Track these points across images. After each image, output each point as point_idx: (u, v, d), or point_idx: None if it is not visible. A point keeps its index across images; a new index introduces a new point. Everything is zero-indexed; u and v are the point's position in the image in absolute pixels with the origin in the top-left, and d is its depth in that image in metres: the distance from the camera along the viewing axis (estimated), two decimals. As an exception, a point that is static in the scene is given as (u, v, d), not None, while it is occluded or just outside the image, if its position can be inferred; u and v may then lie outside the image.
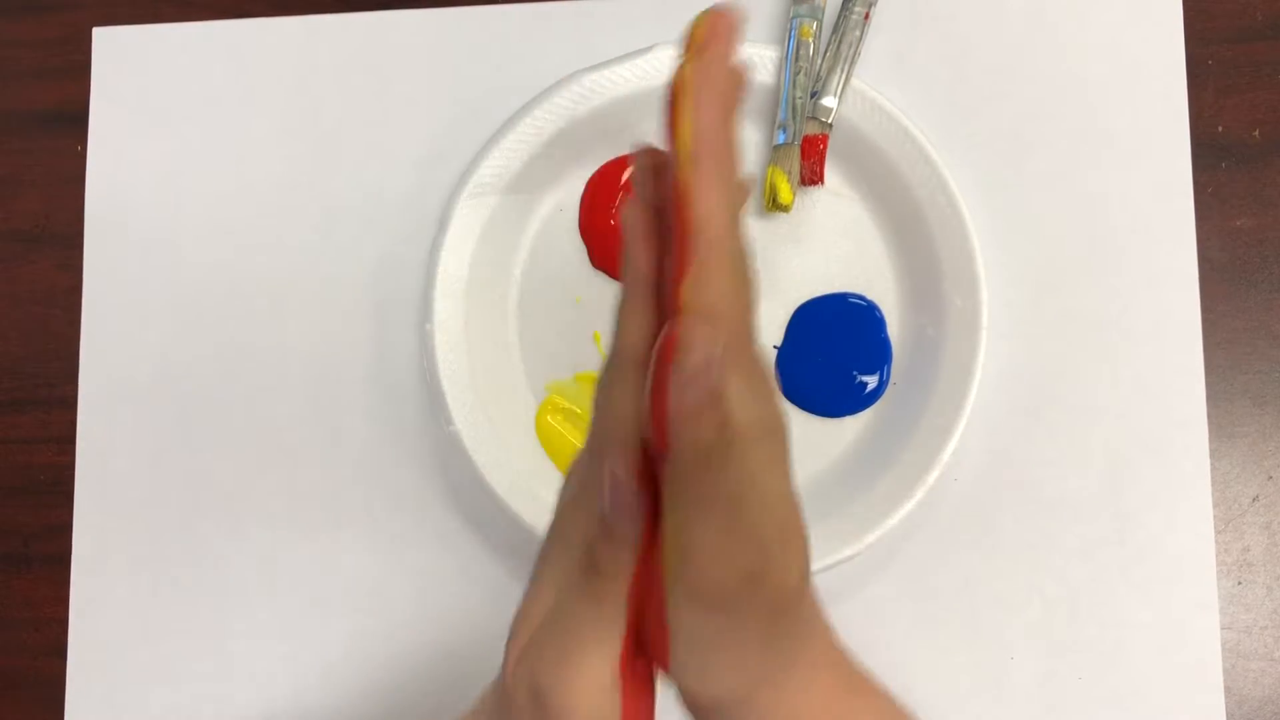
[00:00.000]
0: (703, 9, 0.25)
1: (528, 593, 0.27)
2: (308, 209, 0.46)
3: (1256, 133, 0.44)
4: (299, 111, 0.46)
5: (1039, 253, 0.43)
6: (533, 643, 0.26)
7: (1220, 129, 0.44)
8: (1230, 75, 0.44)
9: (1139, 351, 0.43)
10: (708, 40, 0.25)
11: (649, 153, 0.26)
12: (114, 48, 0.47)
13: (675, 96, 0.24)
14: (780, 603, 0.24)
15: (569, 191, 0.44)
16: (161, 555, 0.45)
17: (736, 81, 0.25)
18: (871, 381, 0.43)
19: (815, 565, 0.39)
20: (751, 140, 0.44)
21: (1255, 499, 0.42)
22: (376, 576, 0.44)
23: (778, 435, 0.25)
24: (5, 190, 0.48)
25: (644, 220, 0.25)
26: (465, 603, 0.44)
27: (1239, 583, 0.42)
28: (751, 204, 0.44)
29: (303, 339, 0.45)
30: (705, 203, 0.23)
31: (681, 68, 0.24)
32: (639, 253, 0.25)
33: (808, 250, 0.43)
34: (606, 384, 0.25)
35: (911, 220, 0.42)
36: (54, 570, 0.46)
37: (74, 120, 0.47)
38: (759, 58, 0.42)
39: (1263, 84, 0.44)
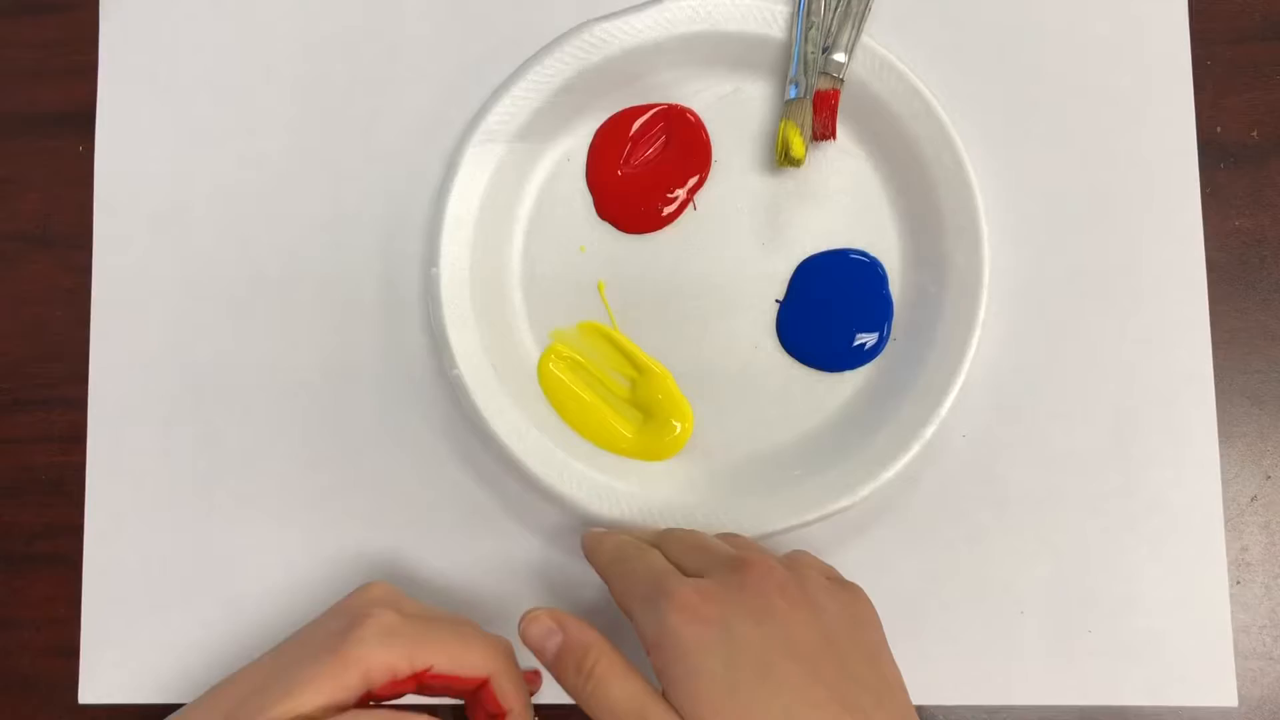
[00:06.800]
0: None
1: None
2: (319, 157, 0.46)
3: (1255, 133, 0.44)
4: (309, 64, 0.46)
5: (1045, 212, 0.44)
6: None
7: (1219, 129, 0.44)
8: (1229, 76, 0.44)
9: (1145, 306, 0.43)
10: None
11: None
12: (122, 21, 0.47)
13: None
14: None
15: (577, 141, 0.44)
16: (174, 544, 0.45)
17: None
18: (872, 337, 0.43)
19: (811, 515, 0.40)
20: (764, 95, 0.44)
21: (1254, 499, 0.42)
22: (391, 556, 0.44)
23: None
24: (7, 191, 0.48)
25: None
26: (476, 554, 0.44)
27: (1237, 582, 0.42)
28: (763, 158, 0.44)
29: (314, 310, 0.45)
30: None
31: None
32: None
33: (812, 206, 0.44)
34: None
35: (916, 177, 0.42)
36: (54, 570, 0.46)
37: (75, 121, 0.47)
38: (770, 13, 0.42)
39: (1262, 84, 0.44)
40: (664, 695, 0.32)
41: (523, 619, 0.35)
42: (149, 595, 0.45)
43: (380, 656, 0.33)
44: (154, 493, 0.45)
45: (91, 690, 0.45)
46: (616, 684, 0.32)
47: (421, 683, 0.34)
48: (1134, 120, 0.44)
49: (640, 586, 0.34)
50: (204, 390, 0.45)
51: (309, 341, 0.45)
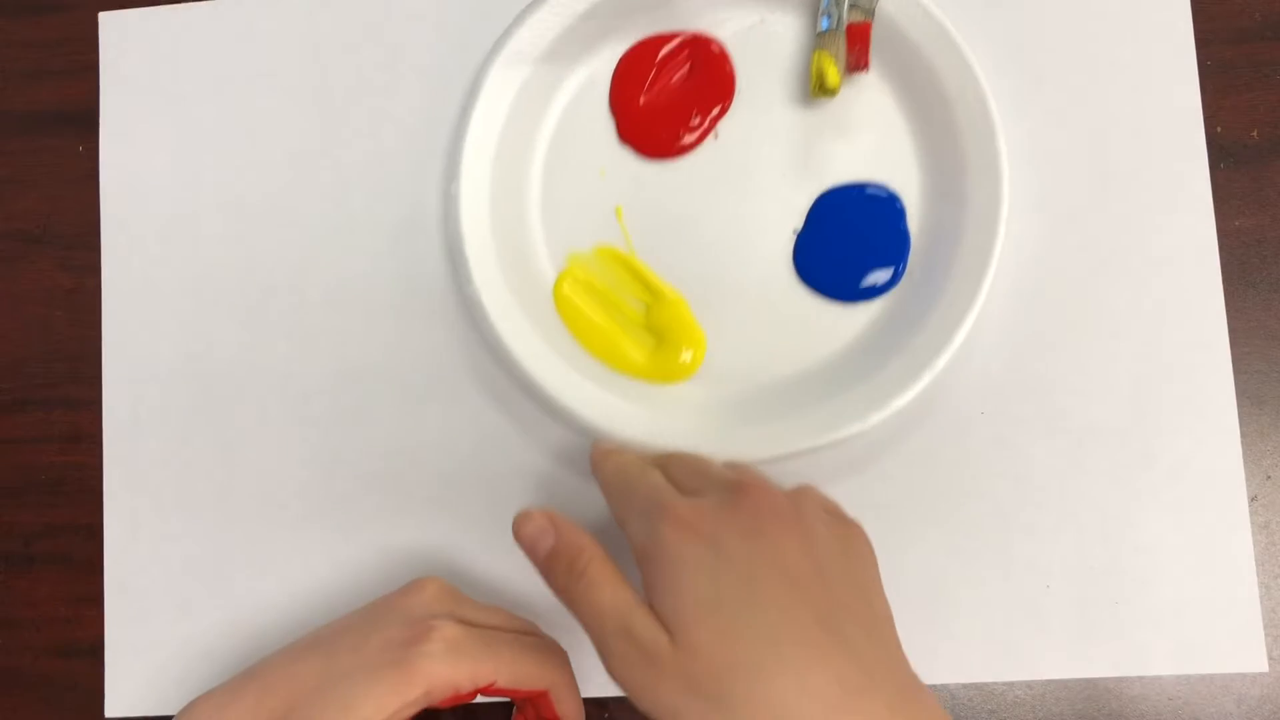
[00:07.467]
0: None
1: None
2: (323, 156, 0.46)
3: (1255, 133, 0.44)
4: (309, 63, 0.47)
5: (1057, 185, 0.44)
6: None
7: (1219, 129, 0.44)
8: (1229, 75, 0.44)
9: (1158, 275, 0.43)
10: None
11: None
12: (121, 33, 0.47)
13: None
14: None
15: (602, 64, 0.45)
16: (194, 551, 0.45)
17: None
18: (888, 271, 0.43)
19: (817, 441, 0.40)
20: (789, 28, 0.44)
21: (1254, 499, 0.42)
22: (414, 549, 0.44)
23: None
24: (6, 190, 0.48)
25: None
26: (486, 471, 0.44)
27: (1239, 582, 0.42)
28: (787, 91, 0.44)
29: (325, 307, 0.46)
30: None
31: None
32: None
33: (834, 139, 0.44)
34: None
35: (940, 113, 0.42)
36: (54, 570, 0.46)
37: (75, 120, 0.47)
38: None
39: (1261, 84, 0.44)
40: (650, 606, 0.32)
41: (517, 517, 0.35)
42: (171, 602, 0.45)
43: (446, 674, 0.32)
44: (172, 501, 0.45)
45: (117, 701, 0.45)
46: (607, 588, 0.32)
47: (482, 694, 0.34)
48: (1141, 90, 0.44)
49: (638, 501, 0.34)
50: (219, 394, 0.46)
51: (322, 338, 0.45)
